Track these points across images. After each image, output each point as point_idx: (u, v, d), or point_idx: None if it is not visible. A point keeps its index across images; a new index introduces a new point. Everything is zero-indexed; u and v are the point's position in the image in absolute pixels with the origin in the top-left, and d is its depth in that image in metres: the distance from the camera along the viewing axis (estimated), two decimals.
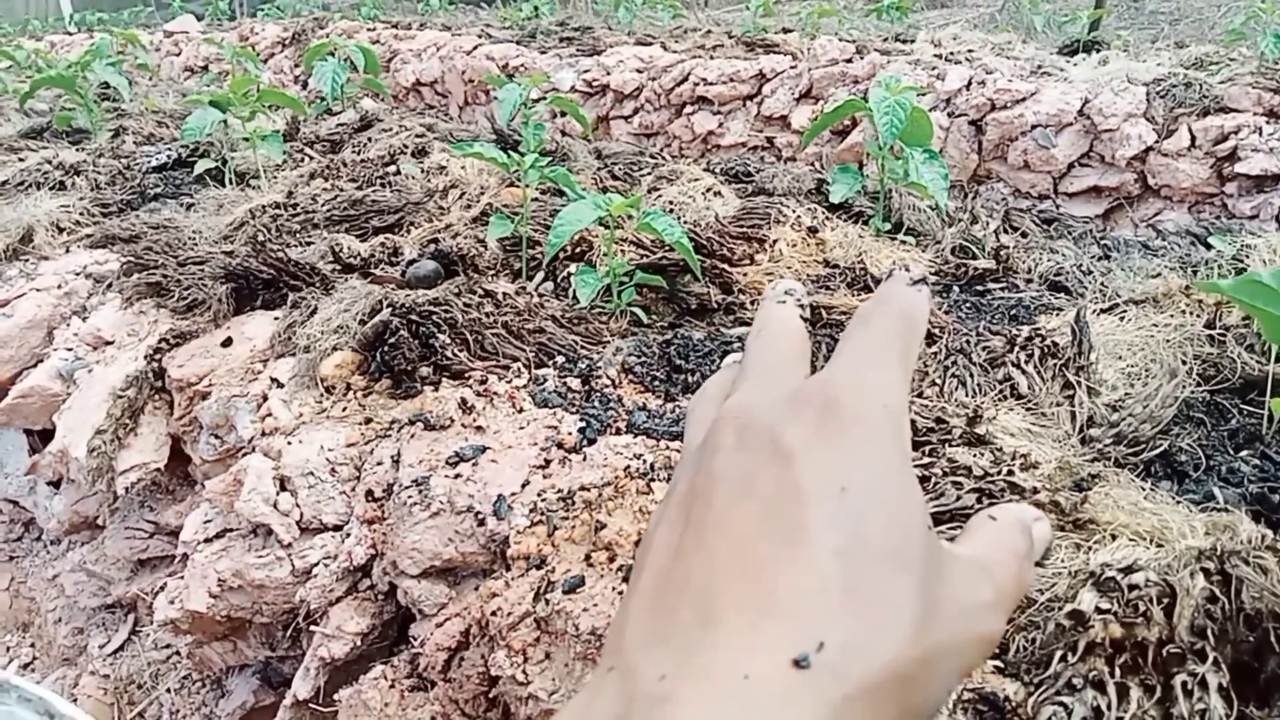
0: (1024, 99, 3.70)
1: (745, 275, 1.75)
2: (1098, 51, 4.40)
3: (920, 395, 1.25)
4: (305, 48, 4.94)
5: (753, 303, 1.68)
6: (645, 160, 2.59)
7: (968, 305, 1.68)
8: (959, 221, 2.04)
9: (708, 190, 2.17)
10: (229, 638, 1.44)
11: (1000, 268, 1.82)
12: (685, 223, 1.79)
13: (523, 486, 1.15)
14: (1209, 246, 1.84)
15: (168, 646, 1.76)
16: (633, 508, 1.07)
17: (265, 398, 1.50)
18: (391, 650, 1.23)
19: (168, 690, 1.68)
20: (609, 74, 5.06)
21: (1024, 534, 0.36)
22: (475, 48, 5.99)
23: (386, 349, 1.44)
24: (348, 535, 1.28)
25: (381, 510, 1.25)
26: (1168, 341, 1.30)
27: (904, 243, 1.97)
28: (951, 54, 4.31)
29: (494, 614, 1.01)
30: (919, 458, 1.05)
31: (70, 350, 1.91)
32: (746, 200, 2.09)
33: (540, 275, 1.80)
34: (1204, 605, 0.75)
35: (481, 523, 1.12)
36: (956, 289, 1.77)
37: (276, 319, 1.71)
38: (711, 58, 4.82)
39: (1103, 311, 1.48)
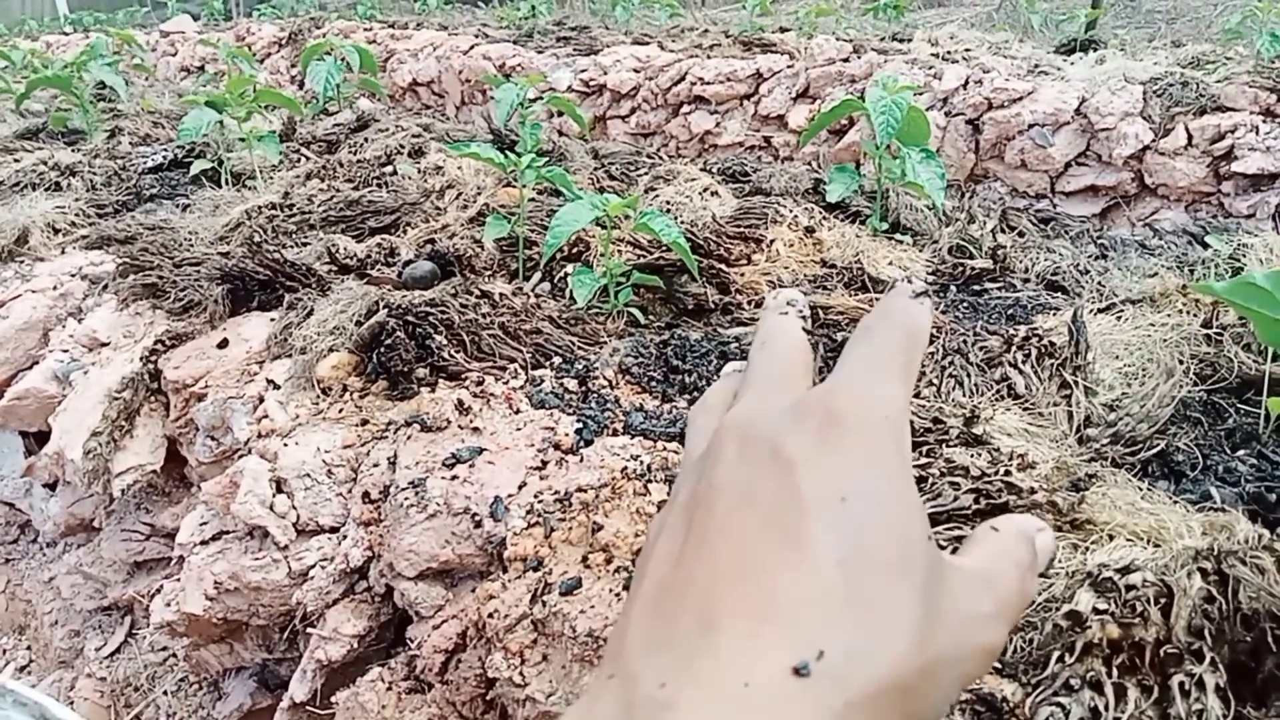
0: (1021, 98, 3.70)
1: (742, 275, 1.75)
2: (1095, 50, 4.40)
3: (917, 395, 1.25)
4: (302, 48, 4.94)
5: (750, 303, 1.67)
6: (642, 160, 2.58)
7: (965, 305, 1.68)
8: (956, 221, 2.04)
9: (705, 190, 2.17)
10: (226, 640, 1.43)
11: (997, 267, 1.82)
12: (682, 223, 1.79)
13: (519, 488, 1.15)
14: (1206, 245, 1.85)
15: (164, 649, 1.76)
16: (630, 509, 1.07)
17: (261, 399, 1.50)
18: (388, 652, 1.23)
19: (164, 693, 1.68)
20: (606, 74, 5.05)
21: (1027, 545, 0.36)
22: (472, 47, 5.98)
23: (383, 350, 1.44)
24: (344, 537, 1.27)
25: (378, 512, 1.25)
26: (1165, 341, 1.30)
27: (901, 242, 1.97)
28: (948, 53, 4.31)
29: (491, 616, 1.01)
30: (916, 458, 1.05)
31: (66, 352, 1.91)
32: (744, 200, 2.09)
33: (537, 276, 1.79)
34: (1201, 605, 0.75)
35: (478, 524, 1.12)
36: (954, 289, 1.77)
37: (273, 320, 1.70)
38: (709, 57, 4.82)
39: (1100, 311, 1.48)
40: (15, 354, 2.01)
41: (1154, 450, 1.10)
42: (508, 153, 1.79)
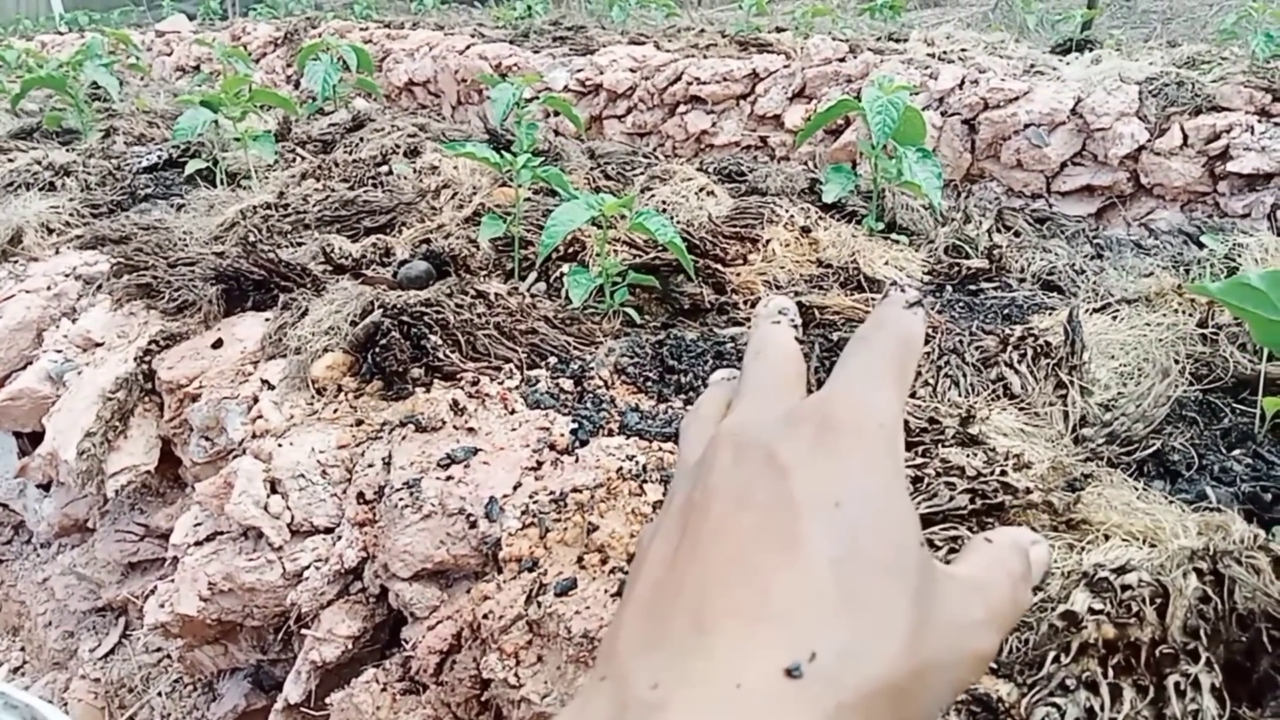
0: (1017, 98, 3.71)
1: (738, 275, 1.75)
2: (1090, 50, 4.41)
3: (913, 395, 1.25)
4: (297, 47, 4.93)
5: (746, 303, 1.67)
6: (638, 160, 2.58)
7: (961, 305, 1.68)
8: (952, 221, 2.04)
9: (701, 190, 2.16)
10: (220, 641, 1.43)
11: (993, 267, 1.82)
12: (678, 222, 1.78)
13: (515, 488, 1.15)
14: (1201, 245, 1.85)
15: (158, 650, 1.75)
16: (625, 509, 1.06)
17: (256, 400, 1.49)
18: (383, 653, 1.23)
19: (158, 694, 1.67)
20: (602, 73, 5.05)
21: (1020, 556, 0.36)
22: (468, 47, 5.98)
23: (378, 350, 1.44)
24: (339, 538, 1.27)
25: (373, 512, 1.24)
26: (1160, 340, 1.30)
27: (897, 242, 1.97)
28: (945, 53, 4.32)
29: (486, 617, 1.01)
30: (912, 458, 1.05)
31: (60, 352, 1.90)
32: (740, 200, 2.09)
33: (533, 275, 1.79)
34: (1197, 605, 0.75)
35: (473, 525, 1.12)
36: (949, 288, 1.77)
37: (267, 320, 1.70)
38: (705, 57, 4.82)
39: (1095, 311, 1.48)
40: (9, 354, 2.00)
41: (1150, 450, 1.10)
42: (503, 152, 1.79)
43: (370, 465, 1.28)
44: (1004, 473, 0.99)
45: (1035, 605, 0.82)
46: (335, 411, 1.42)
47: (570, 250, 1.81)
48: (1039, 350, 1.26)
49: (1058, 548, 0.90)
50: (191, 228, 2.20)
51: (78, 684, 1.79)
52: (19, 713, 0.73)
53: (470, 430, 1.27)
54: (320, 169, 2.57)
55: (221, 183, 2.64)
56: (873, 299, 1.65)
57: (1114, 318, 1.43)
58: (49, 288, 2.10)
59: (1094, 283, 1.68)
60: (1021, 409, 1.18)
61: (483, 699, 1.03)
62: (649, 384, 1.39)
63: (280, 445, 1.36)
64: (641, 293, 1.68)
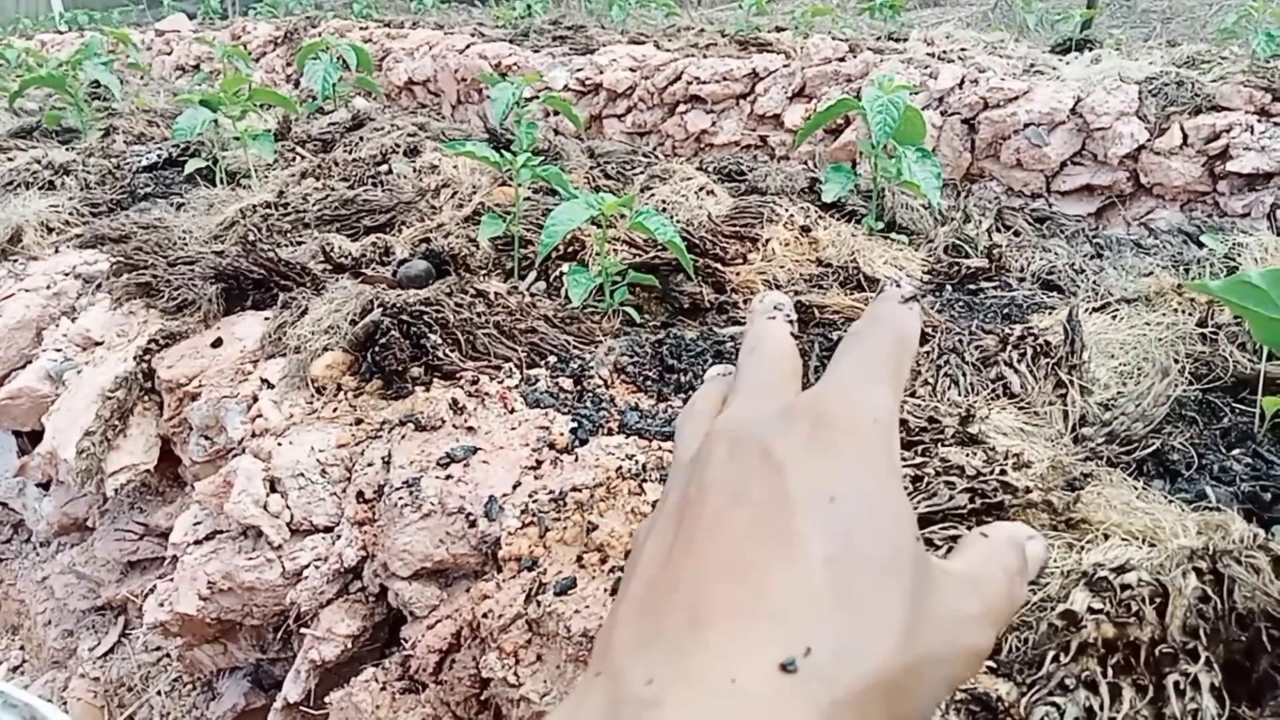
0: (1016, 98, 3.70)
1: (738, 274, 1.75)
2: (1090, 50, 4.41)
3: (913, 394, 1.25)
4: (297, 46, 4.93)
5: (745, 302, 1.67)
6: (638, 159, 2.58)
7: (960, 304, 1.68)
8: (952, 220, 2.04)
9: (700, 189, 2.16)
10: (219, 640, 1.43)
11: (993, 266, 1.82)
12: (678, 222, 1.78)
13: (514, 487, 1.15)
14: (1201, 245, 1.85)
15: (158, 649, 1.75)
16: (625, 509, 1.06)
17: (255, 399, 1.49)
18: (383, 652, 1.23)
19: (158, 693, 1.67)
20: (602, 73, 5.05)
21: (1016, 551, 0.36)
22: (468, 46, 5.98)
23: (377, 349, 1.44)
24: (338, 537, 1.27)
25: (372, 511, 1.24)
26: (1160, 340, 1.30)
27: (897, 241, 1.97)
28: (944, 53, 4.32)
29: (485, 616, 1.01)
30: (912, 457, 1.05)
31: (59, 351, 1.90)
32: (739, 199, 2.09)
33: (532, 275, 1.79)
34: (1196, 605, 0.75)
35: (473, 524, 1.12)
36: (949, 288, 1.77)
37: (267, 319, 1.70)
38: (705, 56, 4.82)
39: (1095, 310, 1.48)
40: (8, 353, 2.00)
41: (1149, 449, 1.10)
42: (503, 152, 1.79)
43: (370, 464, 1.28)
44: (1003, 472, 0.99)
45: (1035, 605, 0.82)
46: (335, 410, 1.42)
47: (570, 249, 1.81)
48: (1038, 350, 1.26)
49: (1057, 547, 0.90)
50: (191, 227, 2.20)
51: (77, 683, 1.79)
52: (19, 711, 0.73)
53: (470, 429, 1.27)
54: (320, 168, 2.57)
55: (221, 182, 2.64)
56: (872, 298, 1.65)
57: (1114, 317, 1.43)
58: (49, 287, 2.09)
59: (1094, 282, 1.68)
60: (1021, 408, 1.18)
61: (482, 698, 1.03)
62: (648, 383, 1.39)
63: (280, 444, 1.36)
64: (641, 292, 1.68)
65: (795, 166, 2.63)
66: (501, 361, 1.44)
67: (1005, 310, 1.63)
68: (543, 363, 1.46)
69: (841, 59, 4.46)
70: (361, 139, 2.89)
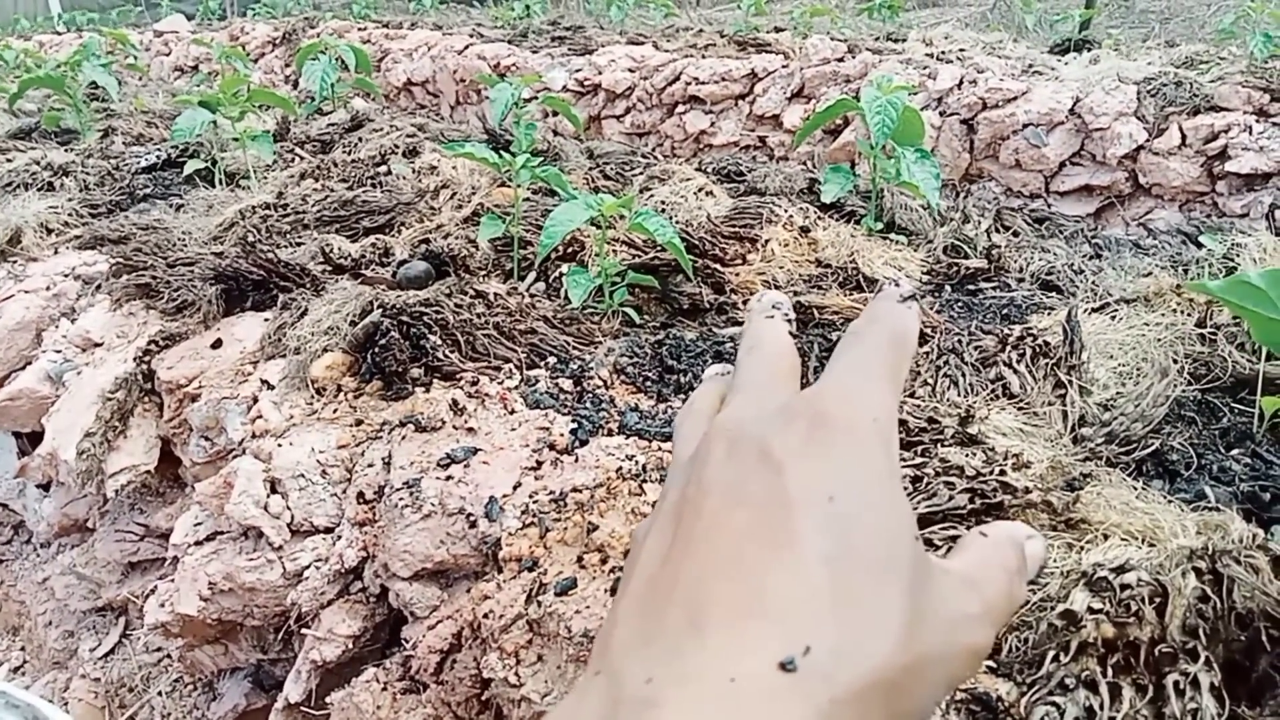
0: (1015, 98, 3.71)
1: (737, 275, 1.75)
2: (1089, 50, 4.41)
3: (912, 395, 1.25)
4: (296, 47, 4.93)
5: (745, 303, 1.67)
6: (637, 160, 2.58)
7: (960, 304, 1.68)
8: (951, 220, 2.04)
9: (700, 190, 2.16)
10: (220, 641, 1.43)
11: (992, 267, 1.82)
12: (677, 223, 1.79)
13: (514, 488, 1.15)
14: (1200, 245, 1.85)
15: (159, 650, 1.75)
16: (625, 509, 1.06)
17: (255, 399, 1.49)
18: (383, 653, 1.23)
19: (159, 693, 1.67)
20: (601, 73, 5.05)
21: (1015, 551, 0.36)
22: (467, 47, 5.98)
23: (377, 350, 1.44)
24: (339, 537, 1.27)
25: (373, 512, 1.24)
26: (1159, 340, 1.30)
27: (896, 242, 1.97)
28: (943, 53, 4.32)
29: (486, 616, 1.01)
30: (911, 458, 1.05)
31: (59, 352, 1.90)
32: (739, 200, 2.09)
33: (532, 275, 1.79)
34: (1196, 605, 0.75)
35: (473, 524, 1.12)
36: (948, 288, 1.77)
37: (266, 320, 1.70)
38: (703, 57, 4.82)
39: (1094, 310, 1.48)
40: (8, 354, 2.00)
41: (1149, 450, 1.10)
42: (502, 153, 1.79)
43: (370, 465, 1.28)
44: (1003, 472, 0.99)
45: (1035, 604, 0.82)
46: (335, 411, 1.42)
47: (569, 250, 1.81)
48: (1038, 350, 1.26)
49: (1057, 547, 0.90)
50: (190, 228, 2.20)
51: (78, 683, 1.79)
52: (20, 712, 0.73)
53: (470, 430, 1.27)
54: (319, 169, 2.57)
55: (220, 183, 2.64)
56: (871, 298, 1.65)
57: (1113, 317, 1.43)
58: (48, 288, 2.09)
59: (1093, 282, 1.68)
60: (1020, 409, 1.19)
61: (483, 698, 1.04)
62: (648, 384, 1.40)
63: (280, 445, 1.36)
64: (641, 293, 1.68)
65: (794, 167, 2.63)
66: (501, 362, 1.45)
67: (1004, 311, 1.63)
68: (543, 363, 1.46)
69: (840, 59, 4.46)
70: (360, 140, 2.89)
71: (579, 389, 1.37)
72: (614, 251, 1.74)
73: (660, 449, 1.19)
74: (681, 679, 0.27)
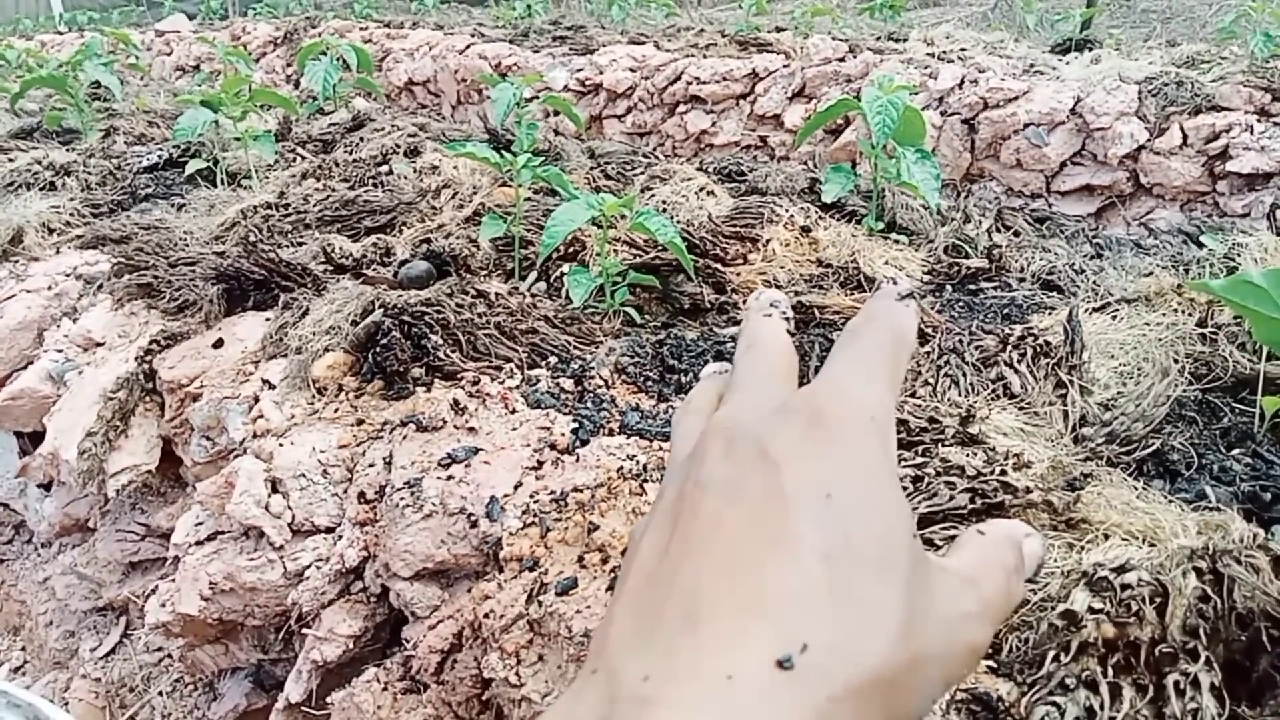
0: (1016, 98, 3.71)
1: (739, 275, 1.75)
2: (1090, 50, 4.41)
3: (913, 395, 1.25)
4: (297, 47, 4.93)
5: (745, 302, 1.67)
6: (638, 159, 2.58)
7: (960, 304, 1.68)
8: (952, 220, 2.04)
9: (701, 190, 2.16)
10: (221, 640, 1.43)
11: (993, 267, 1.82)
12: (678, 222, 1.79)
13: (515, 488, 1.15)
14: (1201, 245, 1.85)
15: (159, 649, 1.76)
16: (626, 509, 1.06)
17: (257, 399, 1.49)
18: (384, 653, 1.23)
19: (159, 693, 1.67)
20: (602, 73, 5.05)
21: (1013, 549, 0.36)
22: (468, 47, 5.98)
23: (378, 350, 1.44)
24: (340, 537, 1.27)
25: (374, 512, 1.24)
26: (1160, 340, 1.30)
27: (897, 242, 1.97)
28: (944, 53, 4.32)
29: (487, 616, 1.01)
30: (912, 457, 1.05)
31: (60, 352, 1.90)
32: (739, 199, 2.09)
33: (533, 275, 1.79)
34: (1196, 604, 0.75)
35: (474, 524, 1.12)
36: (949, 288, 1.77)
37: (268, 320, 1.70)
38: (705, 56, 4.82)
39: (1095, 310, 1.48)
40: (10, 354, 2.00)
41: (1149, 449, 1.10)
42: (504, 152, 1.79)
43: (371, 465, 1.28)
44: (1004, 472, 0.99)
45: (1035, 604, 0.82)
46: (336, 411, 1.42)
47: (570, 250, 1.81)
48: (1039, 350, 1.26)
49: (1057, 547, 0.90)
50: (192, 227, 2.20)
51: (79, 683, 1.79)
52: (22, 712, 0.73)
53: (471, 430, 1.27)
54: (320, 169, 2.57)
55: (222, 182, 2.64)
56: (869, 296, 1.65)
57: (1113, 317, 1.43)
58: (50, 287, 2.10)
59: (1093, 282, 1.68)
60: (1021, 408, 1.18)
61: (484, 698, 1.04)
62: (649, 383, 1.40)
63: (281, 445, 1.36)
64: (642, 292, 1.68)
65: (795, 167, 2.63)
66: (502, 362, 1.45)
67: (1005, 310, 1.63)
68: (544, 363, 1.46)
69: (841, 59, 4.46)
70: (362, 140, 2.89)
71: (580, 389, 1.37)
72: (615, 251, 1.74)
73: (661, 448, 1.19)
74: (678, 677, 0.27)
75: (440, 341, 1.45)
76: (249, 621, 1.33)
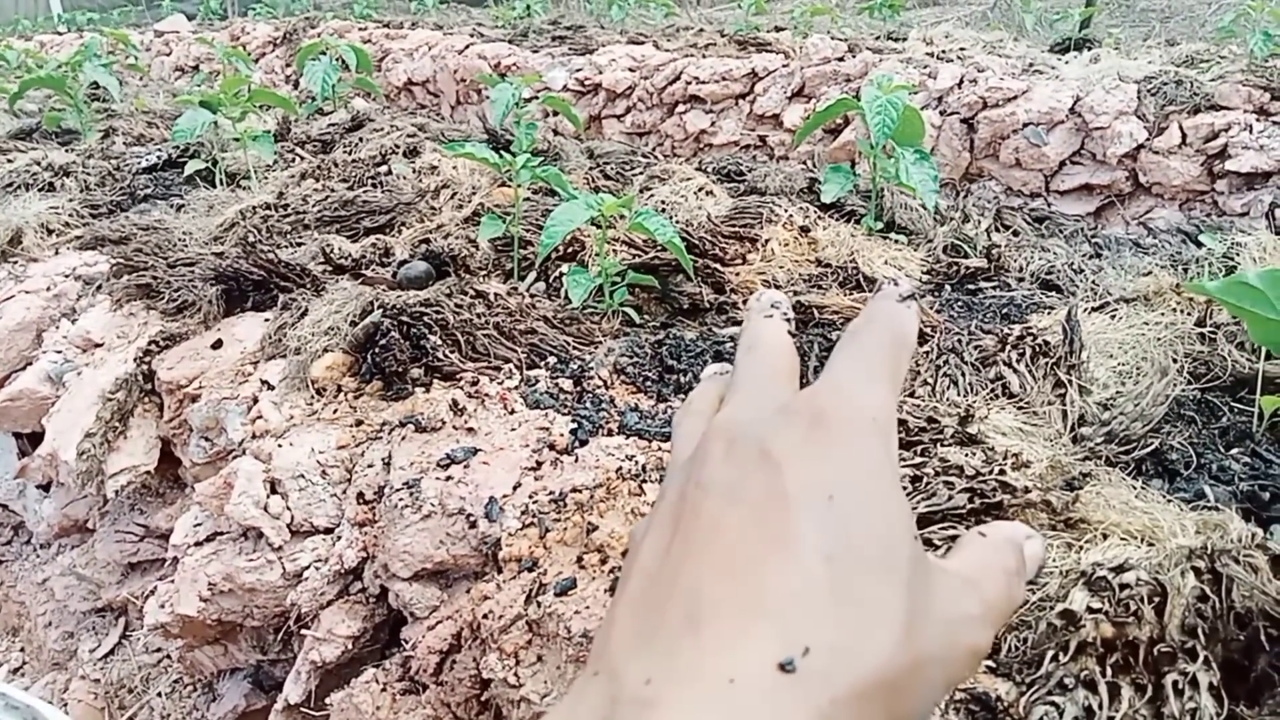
0: (1015, 97, 3.71)
1: (738, 275, 1.75)
2: (1089, 49, 4.41)
3: (912, 395, 1.25)
4: (297, 47, 4.93)
5: (745, 302, 1.67)
6: (637, 159, 2.58)
7: (959, 304, 1.68)
8: (951, 220, 2.04)
9: (700, 189, 2.16)
10: (220, 641, 1.43)
11: (992, 266, 1.82)
12: (678, 222, 1.79)
13: (514, 488, 1.15)
14: (1200, 244, 1.85)
15: (158, 650, 1.75)
16: (625, 509, 1.06)
17: (256, 400, 1.49)
18: (383, 653, 1.23)
19: (158, 694, 1.67)
20: (601, 73, 5.05)
21: (1014, 551, 0.36)
22: (467, 47, 5.98)
23: (377, 350, 1.44)
24: (339, 538, 1.27)
25: (373, 513, 1.24)
26: (1159, 339, 1.30)
27: (896, 242, 1.97)
28: (943, 52, 4.32)
29: (486, 617, 1.01)
30: (911, 457, 1.05)
31: (59, 353, 1.90)
32: (739, 199, 2.09)
33: (532, 275, 1.79)
34: (1195, 604, 0.75)
35: (473, 525, 1.12)
36: (948, 288, 1.77)
37: (267, 320, 1.70)
38: (704, 56, 4.82)
39: (1094, 310, 1.48)
40: (9, 355, 2.00)
41: (1148, 449, 1.10)
42: (503, 152, 1.79)
43: (370, 465, 1.28)
44: (1002, 472, 0.99)
45: (1034, 604, 0.82)
46: (335, 412, 1.42)
47: (570, 250, 1.81)
48: (1037, 349, 1.26)
49: (1056, 546, 0.90)
50: (191, 228, 2.20)
51: (77, 684, 1.79)
52: (20, 713, 0.73)
53: (470, 430, 1.27)
54: (319, 169, 2.57)
55: (221, 183, 2.64)
56: (870, 297, 1.65)
57: (1112, 317, 1.43)
58: (49, 288, 2.10)
59: (1092, 282, 1.68)
60: (1020, 408, 1.18)
61: (483, 699, 1.04)
62: (648, 384, 1.40)
63: (280, 445, 1.36)
64: (641, 292, 1.68)
65: (794, 166, 2.63)
66: (501, 362, 1.45)
67: (1004, 310, 1.63)
68: (543, 364, 1.46)
69: (840, 59, 4.46)
70: (361, 140, 2.89)
71: (579, 389, 1.37)
72: (614, 251, 1.74)
73: (660, 449, 1.19)
74: (680, 679, 0.27)
75: (439, 342, 1.45)
76: (248, 622, 1.33)
